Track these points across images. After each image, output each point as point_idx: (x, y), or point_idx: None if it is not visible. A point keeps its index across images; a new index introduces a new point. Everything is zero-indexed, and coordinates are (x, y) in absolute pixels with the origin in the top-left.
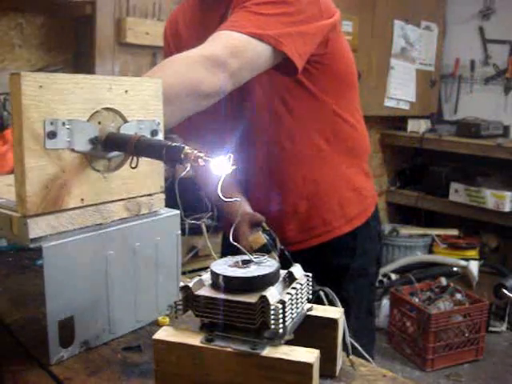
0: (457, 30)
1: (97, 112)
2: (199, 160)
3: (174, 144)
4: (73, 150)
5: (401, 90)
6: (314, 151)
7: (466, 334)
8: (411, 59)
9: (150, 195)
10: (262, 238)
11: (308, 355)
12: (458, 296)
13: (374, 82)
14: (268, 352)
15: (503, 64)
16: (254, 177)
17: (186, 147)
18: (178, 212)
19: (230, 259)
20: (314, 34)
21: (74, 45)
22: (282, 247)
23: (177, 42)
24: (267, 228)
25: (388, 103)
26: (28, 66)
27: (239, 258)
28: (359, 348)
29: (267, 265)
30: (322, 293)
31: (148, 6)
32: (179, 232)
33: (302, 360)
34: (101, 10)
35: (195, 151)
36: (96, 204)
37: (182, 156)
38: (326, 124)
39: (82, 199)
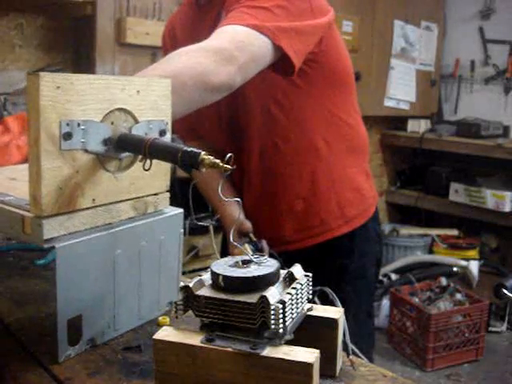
0: (457, 30)
1: (110, 112)
2: (215, 166)
3: (190, 149)
4: (86, 151)
5: (401, 90)
6: (310, 151)
7: (466, 334)
8: (411, 59)
9: (156, 194)
10: (246, 250)
11: (308, 355)
12: (458, 296)
13: (374, 82)
14: (268, 352)
15: (503, 64)
16: (249, 177)
17: (203, 152)
18: (181, 210)
19: (231, 259)
20: (309, 33)
21: (74, 45)
22: (273, 252)
23: (174, 44)
24: (254, 239)
25: (388, 103)
26: (28, 66)
27: (239, 258)
28: (358, 352)
29: (267, 265)
30: (316, 294)
31: (148, 6)
32: (182, 230)
33: (302, 360)
34: (101, 10)
35: (211, 157)
36: (106, 204)
37: (199, 161)
38: (323, 124)
39: (94, 199)
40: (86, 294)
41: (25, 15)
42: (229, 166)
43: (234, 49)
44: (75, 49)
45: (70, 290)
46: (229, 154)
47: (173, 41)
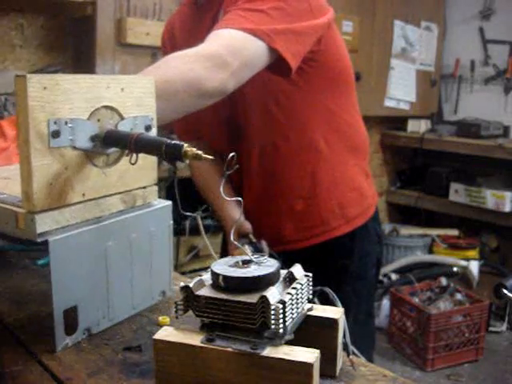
0: (457, 30)
1: (96, 110)
2: (198, 157)
3: (173, 141)
4: (74, 148)
5: (401, 90)
6: (311, 151)
7: (466, 334)
8: (411, 59)
9: (144, 188)
10: (246, 252)
11: (308, 355)
12: (458, 296)
13: (374, 82)
14: (268, 352)
15: (503, 64)
16: (248, 177)
17: (185, 145)
18: (170, 203)
19: (231, 259)
20: (307, 34)
21: (73, 45)
22: (272, 252)
23: (173, 44)
24: (253, 240)
25: (388, 103)
26: (28, 66)
27: (240, 258)
28: (358, 354)
29: (267, 265)
30: (316, 294)
31: (148, 6)
32: (171, 222)
33: (302, 360)
34: (101, 10)
35: (194, 149)
36: (96, 198)
37: (182, 153)
38: (323, 123)
39: (84, 194)
40: (80, 285)
41: (25, 15)
42: (209, 157)
43: (227, 54)
44: (75, 49)
45: (65, 282)
46: (231, 154)
47: (172, 41)
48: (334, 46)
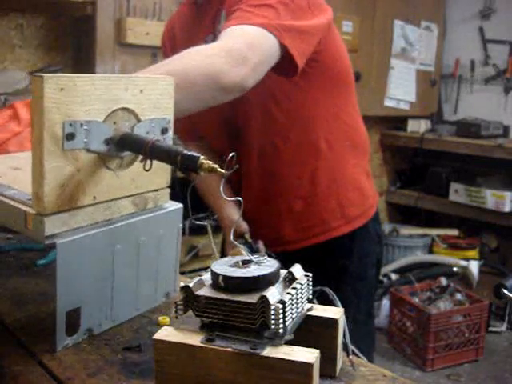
0: (457, 30)
1: (113, 112)
2: (213, 170)
3: (189, 153)
4: (88, 151)
5: (401, 90)
6: (311, 151)
7: (466, 334)
8: (411, 59)
9: (156, 190)
10: (241, 251)
11: (308, 355)
12: (458, 296)
13: (374, 82)
14: (268, 352)
15: (503, 64)
16: (247, 177)
17: (202, 157)
18: (181, 205)
19: (231, 259)
20: (310, 33)
21: (73, 45)
22: (270, 253)
23: (173, 44)
24: (249, 240)
25: (388, 103)
26: (28, 66)
27: (239, 258)
28: (358, 354)
29: (267, 265)
30: (316, 294)
31: (148, 6)
32: (181, 225)
33: (302, 360)
34: (101, 10)
35: (210, 162)
36: (107, 201)
37: (198, 165)
38: (323, 123)
39: (95, 197)
40: (85, 287)
41: (25, 15)
42: (225, 172)
43: (247, 50)
44: (75, 49)
45: (70, 284)
46: (231, 154)
47: (172, 41)
48: (333, 46)
